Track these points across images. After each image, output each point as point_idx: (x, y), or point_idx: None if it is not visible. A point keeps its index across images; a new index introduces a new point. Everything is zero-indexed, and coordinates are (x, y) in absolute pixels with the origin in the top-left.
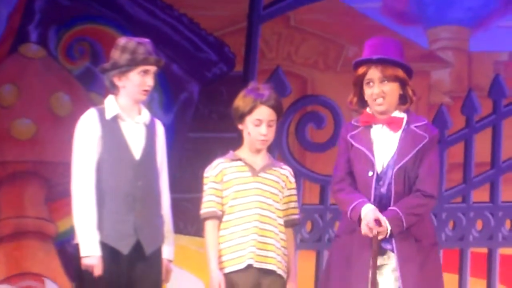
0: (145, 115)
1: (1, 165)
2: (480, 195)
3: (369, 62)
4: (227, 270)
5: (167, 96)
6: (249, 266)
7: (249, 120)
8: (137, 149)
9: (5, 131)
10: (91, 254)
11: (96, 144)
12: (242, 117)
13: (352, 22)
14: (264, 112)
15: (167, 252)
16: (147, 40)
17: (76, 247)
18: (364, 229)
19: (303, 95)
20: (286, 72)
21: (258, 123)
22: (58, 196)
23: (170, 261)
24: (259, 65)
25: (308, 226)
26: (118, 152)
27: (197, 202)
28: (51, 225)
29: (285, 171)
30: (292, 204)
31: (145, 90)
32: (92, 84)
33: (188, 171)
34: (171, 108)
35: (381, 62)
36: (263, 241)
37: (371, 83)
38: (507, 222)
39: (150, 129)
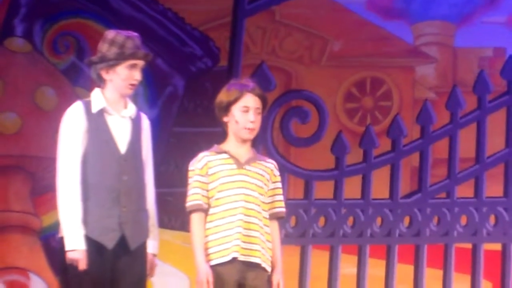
0: (131, 109)
1: None
2: (465, 190)
3: None
4: (212, 263)
5: (152, 90)
6: (234, 259)
7: (236, 108)
8: (122, 143)
9: None
10: (76, 248)
11: (82, 137)
12: (227, 107)
13: (337, 17)
14: (251, 100)
15: (151, 246)
16: (135, 34)
17: (61, 241)
18: None
19: (288, 89)
20: (271, 66)
21: (245, 110)
22: (43, 190)
23: (154, 255)
24: (244, 59)
25: (293, 221)
26: (103, 146)
27: (182, 196)
28: (36, 219)
29: (270, 164)
30: (277, 197)
31: (132, 84)
32: (77, 79)
33: (172, 165)
34: (156, 102)
35: None
36: (248, 234)
37: None
38: (491, 218)
39: (136, 123)
